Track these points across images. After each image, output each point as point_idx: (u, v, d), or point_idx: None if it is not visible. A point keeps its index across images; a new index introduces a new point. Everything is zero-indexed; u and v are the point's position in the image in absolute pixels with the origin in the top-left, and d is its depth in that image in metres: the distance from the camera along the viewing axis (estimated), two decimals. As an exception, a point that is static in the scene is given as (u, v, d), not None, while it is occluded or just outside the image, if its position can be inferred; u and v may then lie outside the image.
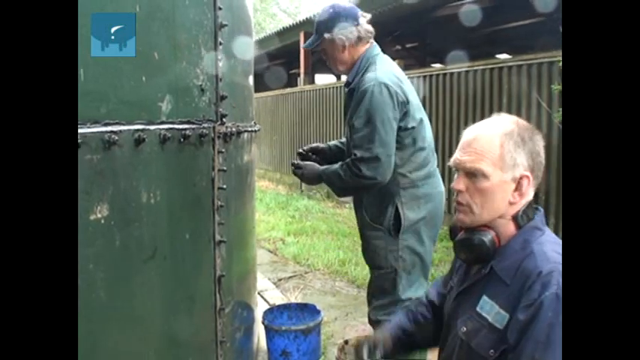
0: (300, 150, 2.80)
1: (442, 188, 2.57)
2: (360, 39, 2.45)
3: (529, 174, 1.37)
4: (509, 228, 1.40)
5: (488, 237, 1.38)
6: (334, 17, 2.44)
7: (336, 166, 2.41)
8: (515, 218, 1.39)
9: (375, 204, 2.47)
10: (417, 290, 2.48)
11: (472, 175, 1.37)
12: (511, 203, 1.38)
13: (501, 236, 1.40)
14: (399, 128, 2.33)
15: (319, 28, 2.49)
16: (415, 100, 2.43)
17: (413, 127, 2.37)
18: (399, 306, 2.44)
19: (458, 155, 1.41)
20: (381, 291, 2.52)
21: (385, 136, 2.27)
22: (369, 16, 2.51)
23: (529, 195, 1.40)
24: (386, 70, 2.38)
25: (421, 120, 2.42)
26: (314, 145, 2.84)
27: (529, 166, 1.36)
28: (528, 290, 1.26)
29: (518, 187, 1.37)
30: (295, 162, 2.65)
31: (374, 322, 2.55)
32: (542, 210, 1.46)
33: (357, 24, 2.43)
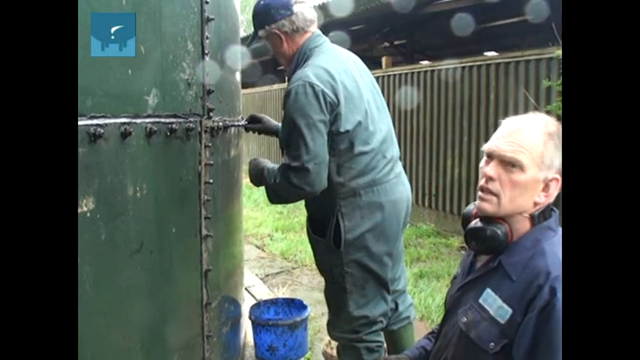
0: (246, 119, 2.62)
1: (399, 195, 2.29)
2: (296, 30, 2.24)
3: (559, 177, 1.36)
4: (525, 225, 1.40)
5: (502, 229, 1.38)
6: (264, 11, 2.24)
7: (277, 167, 2.22)
8: (532, 217, 1.40)
9: (318, 215, 2.32)
10: (375, 307, 2.30)
11: (508, 165, 1.36)
12: (536, 203, 1.38)
13: (515, 232, 1.40)
14: (332, 132, 2.11)
15: (254, 25, 2.33)
16: (354, 100, 2.17)
17: (347, 131, 2.12)
18: (355, 324, 2.29)
19: (497, 143, 1.39)
20: (334, 305, 2.39)
21: (312, 143, 2.05)
22: (308, 2, 2.30)
23: (553, 197, 1.40)
24: (317, 66, 2.14)
25: (360, 122, 2.15)
26: (257, 115, 2.65)
27: (560, 170, 1.36)
28: (538, 291, 1.26)
29: (545, 189, 1.37)
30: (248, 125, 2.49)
31: (334, 339, 2.46)
32: (557, 211, 1.45)
33: (291, 13, 2.21)
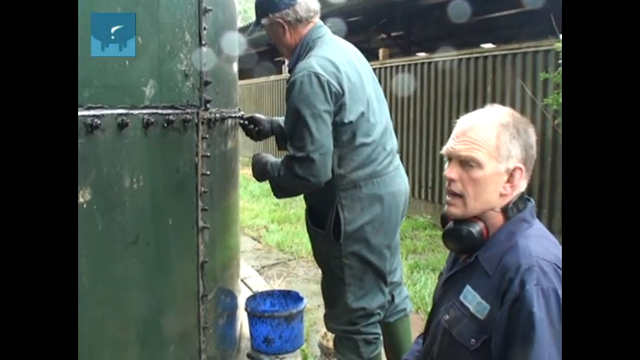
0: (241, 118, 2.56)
1: (398, 187, 2.29)
2: (299, 20, 2.22)
3: (522, 166, 1.37)
4: (499, 220, 1.40)
5: (476, 228, 1.38)
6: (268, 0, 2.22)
7: (279, 160, 2.21)
8: (504, 210, 1.40)
9: (317, 207, 2.32)
10: (372, 299, 2.29)
11: (466, 164, 1.36)
12: (502, 195, 1.38)
13: (490, 228, 1.40)
14: (335, 123, 2.10)
15: (257, 13, 2.29)
16: (358, 92, 2.16)
17: (350, 122, 2.11)
18: (353, 316, 2.29)
19: (452, 144, 1.40)
20: (331, 297, 2.39)
21: (317, 133, 2.03)
22: None
23: (520, 187, 1.40)
24: (322, 56, 2.12)
25: (362, 113, 2.15)
26: (255, 115, 2.58)
27: (522, 158, 1.36)
28: (509, 285, 1.27)
29: (510, 179, 1.37)
30: (244, 122, 2.48)
31: (331, 331, 2.46)
32: (533, 201, 1.45)
33: (295, 3, 2.19)
